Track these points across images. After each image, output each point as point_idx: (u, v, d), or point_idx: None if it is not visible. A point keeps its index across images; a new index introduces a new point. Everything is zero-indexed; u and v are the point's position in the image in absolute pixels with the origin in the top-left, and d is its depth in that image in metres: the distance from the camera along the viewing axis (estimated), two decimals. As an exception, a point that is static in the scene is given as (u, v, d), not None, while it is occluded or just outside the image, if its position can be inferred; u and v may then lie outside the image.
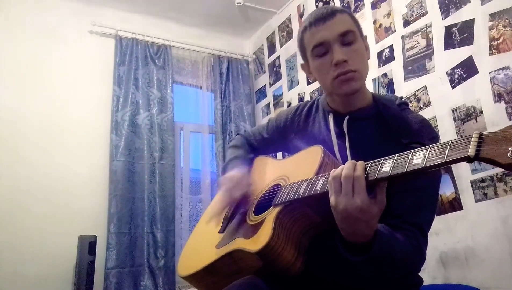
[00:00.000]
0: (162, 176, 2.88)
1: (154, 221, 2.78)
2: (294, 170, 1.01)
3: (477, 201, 1.81)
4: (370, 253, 0.76)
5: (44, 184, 2.60)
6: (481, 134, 0.58)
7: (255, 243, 0.86)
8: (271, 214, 0.90)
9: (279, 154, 2.47)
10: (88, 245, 2.30)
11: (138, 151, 2.87)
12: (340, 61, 0.96)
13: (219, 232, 1.07)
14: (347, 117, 1.04)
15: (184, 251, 1.22)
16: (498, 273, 1.70)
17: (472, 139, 0.58)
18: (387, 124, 1.00)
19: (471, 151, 0.57)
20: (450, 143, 0.61)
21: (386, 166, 0.70)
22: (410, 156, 0.67)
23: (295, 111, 1.20)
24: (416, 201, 0.92)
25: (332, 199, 0.76)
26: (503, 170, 0.71)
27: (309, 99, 2.89)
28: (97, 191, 2.74)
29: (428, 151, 0.64)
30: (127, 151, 2.82)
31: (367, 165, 0.75)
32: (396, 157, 0.70)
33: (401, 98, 1.09)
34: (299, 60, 3.07)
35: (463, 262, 1.82)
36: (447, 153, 0.60)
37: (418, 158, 0.65)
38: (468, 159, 0.57)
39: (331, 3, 2.81)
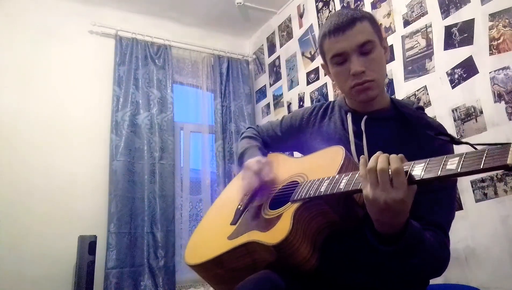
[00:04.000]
0: (162, 176, 2.88)
1: (154, 221, 2.78)
2: (313, 168, 1.00)
3: (477, 201, 1.81)
4: (403, 241, 0.77)
5: (44, 184, 2.60)
6: None
7: (273, 237, 0.86)
8: (289, 209, 0.90)
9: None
10: (88, 245, 2.30)
11: (138, 151, 2.87)
12: (358, 72, 0.99)
13: (231, 224, 1.06)
14: (366, 116, 1.05)
15: (192, 239, 1.19)
16: (498, 273, 1.70)
17: (511, 149, 0.59)
18: (406, 125, 1.02)
19: (510, 160, 0.58)
20: (486, 151, 0.63)
21: (418, 168, 0.71)
22: (443, 161, 0.67)
23: (311, 111, 1.21)
24: (438, 201, 0.94)
25: (369, 193, 0.74)
26: (503, 170, 0.72)
27: (309, 99, 2.92)
28: (97, 191, 2.74)
29: (463, 158, 0.65)
30: (127, 151, 2.82)
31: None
32: (428, 161, 0.70)
33: (417, 102, 1.12)
34: (299, 60, 3.08)
35: (463, 262, 1.82)
36: (484, 160, 0.61)
37: (453, 163, 0.66)
38: (506, 168, 0.59)
39: (331, 3, 2.81)
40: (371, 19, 1.03)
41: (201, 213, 3.12)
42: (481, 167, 0.61)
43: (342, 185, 0.83)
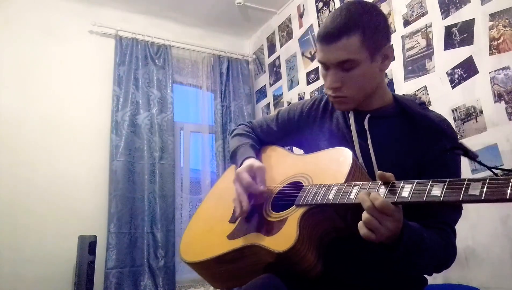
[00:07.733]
0: (162, 176, 2.89)
1: (154, 221, 2.78)
2: (318, 170, 0.98)
3: (477, 201, 1.81)
4: (404, 242, 0.78)
5: (44, 184, 2.60)
6: None
7: (278, 243, 0.85)
8: (294, 214, 0.88)
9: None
10: (88, 245, 2.30)
11: (138, 151, 2.87)
12: (331, 87, 0.99)
13: (230, 222, 1.04)
14: (369, 115, 1.03)
15: (187, 235, 1.16)
16: (498, 273, 1.70)
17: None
18: (410, 122, 1.00)
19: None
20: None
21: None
22: (465, 185, 0.67)
23: (311, 105, 1.17)
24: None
25: (369, 234, 0.76)
26: (503, 170, 0.73)
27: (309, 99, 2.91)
28: (97, 191, 2.74)
29: (486, 183, 0.64)
30: (127, 151, 2.82)
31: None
32: (448, 182, 0.70)
33: (420, 98, 1.11)
34: (299, 60, 3.08)
35: (463, 262, 1.82)
36: (485, 191, 0.62)
37: (475, 188, 0.65)
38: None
39: (331, 3, 2.81)
40: (365, 30, 0.93)
41: (201, 213, 3.11)
42: (507, 196, 0.60)
43: (352, 196, 0.81)
